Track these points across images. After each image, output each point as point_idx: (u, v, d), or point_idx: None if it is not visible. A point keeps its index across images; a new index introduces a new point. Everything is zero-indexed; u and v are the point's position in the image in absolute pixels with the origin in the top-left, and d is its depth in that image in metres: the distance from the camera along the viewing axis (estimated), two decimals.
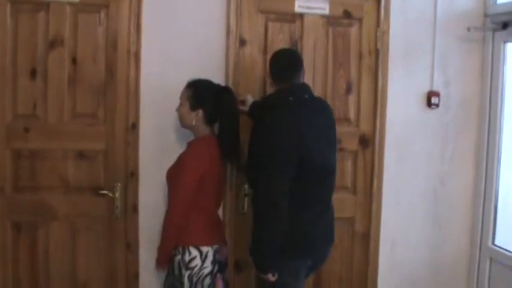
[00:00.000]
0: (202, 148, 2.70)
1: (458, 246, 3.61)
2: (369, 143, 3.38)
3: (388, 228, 3.46)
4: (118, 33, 3.00)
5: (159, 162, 2.96)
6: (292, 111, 2.60)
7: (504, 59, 3.44)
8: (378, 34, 3.33)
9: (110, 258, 3.09)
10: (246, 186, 3.13)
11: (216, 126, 2.80)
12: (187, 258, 2.65)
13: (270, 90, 2.90)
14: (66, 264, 3.05)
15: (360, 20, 3.32)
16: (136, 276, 3.11)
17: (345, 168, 3.35)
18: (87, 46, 2.98)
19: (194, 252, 2.66)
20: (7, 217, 2.97)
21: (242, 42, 3.14)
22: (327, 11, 3.24)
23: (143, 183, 3.08)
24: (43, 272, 3.03)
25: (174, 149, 2.91)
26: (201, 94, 2.72)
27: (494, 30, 3.43)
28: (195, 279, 2.65)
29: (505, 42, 3.41)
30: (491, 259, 3.49)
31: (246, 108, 3.01)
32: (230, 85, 3.03)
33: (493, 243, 3.51)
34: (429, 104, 3.45)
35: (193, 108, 2.70)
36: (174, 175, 2.71)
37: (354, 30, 3.32)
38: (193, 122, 2.72)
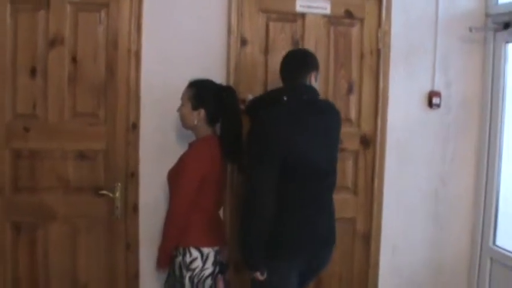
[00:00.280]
0: (204, 148, 2.68)
1: (459, 247, 3.62)
2: (370, 143, 3.37)
3: (389, 228, 3.45)
4: (118, 32, 2.98)
5: (160, 162, 2.94)
6: (281, 111, 2.59)
7: (505, 59, 3.44)
8: (380, 34, 3.32)
9: (110, 259, 3.07)
10: None
11: (218, 127, 2.78)
12: (188, 259, 2.64)
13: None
14: (66, 264, 3.03)
15: (362, 20, 3.31)
16: (136, 276, 3.09)
17: (346, 169, 3.34)
18: (88, 45, 2.96)
19: (195, 253, 2.64)
20: (7, 218, 2.94)
21: (243, 42, 3.12)
22: (328, 11, 3.23)
23: (143, 184, 3.06)
24: (43, 272, 3.01)
25: (175, 150, 2.90)
26: (202, 94, 2.71)
27: (495, 31, 3.43)
28: (196, 280, 2.63)
29: (506, 42, 3.41)
30: (492, 259, 3.50)
31: None
32: (231, 85, 3.01)
33: (494, 243, 3.51)
34: (430, 104, 3.45)
35: (195, 108, 2.69)
36: (175, 175, 2.69)
37: (355, 30, 3.31)
38: (195, 122, 2.71)
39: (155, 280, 3.08)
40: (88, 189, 3.01)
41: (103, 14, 2.97)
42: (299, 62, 2.72)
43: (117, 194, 3.01)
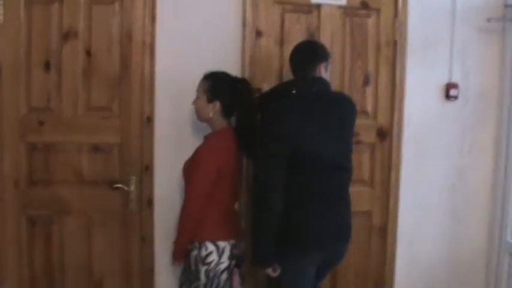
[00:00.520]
0: (220, 141, 2.67)
1: (476, 241, 3.58)
2: (387, 135, 3.34)
3: (406, 221, 3.42)
4: (132, 24, 2.96)
5: (175, 155, 2.93)
6: (291, 104, 2.58)
7: None
8: (396, 25, 3.28)
9: (125, 253, 3.06)
10: None
11: (233, 119, 2.76)
12: (203, 253, 2.62)
13: None
14: (81, 258, 3.03)
15: (378, 11, 3.27)
16: (151, 270, 3.09)
17: (362, 161, 3.32)
18: (102, 38, 2.94)
19: (211, 247, 2.63)
20: (22, 211, 2.95)
21: (258, 34, 3.09)
22: (344, 2, 3.19)
23: (158, 177, 3.05)
24: (58, 266, 3.01)
25: (190, 143, 2.88)
26: (217, 86, 2.69)
27: None
28: (211, 274, 2.62)
29: None
30: (510, 254, 3.46)
31: None
32: (246, 77, 2.99)
33: None
34: (447, 96, 3.40)
35: (210, 100, 2.68)
36: (190, 168, 2.67)
37: (371, 21, 3.27)
38: (210, 115, 2.69)
39: (170, 274, 3.07)
40: (103, 182, 3.00)
41: (117, 6, 2.95)
42: (308, 53, 2.70)
43: (132, 188, 2.99)
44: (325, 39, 3.16)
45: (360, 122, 3.13)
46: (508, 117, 3.45)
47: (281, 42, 3.13)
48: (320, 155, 2.55)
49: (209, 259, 2.62)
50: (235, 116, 2.75)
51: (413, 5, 3.29)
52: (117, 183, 3.00)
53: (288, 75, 3.01)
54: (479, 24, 3.41)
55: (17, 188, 2.93)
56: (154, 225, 3.07)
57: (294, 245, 2.58)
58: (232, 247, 2.68)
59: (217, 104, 2.67)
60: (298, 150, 2.48)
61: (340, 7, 3.20)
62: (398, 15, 3.28)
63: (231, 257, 2.66)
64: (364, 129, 3.25)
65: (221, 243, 2.64)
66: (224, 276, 2.65)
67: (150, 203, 3.05)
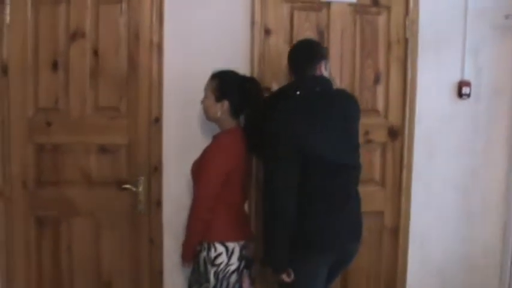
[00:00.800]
0: (228, 141, 2.64)
1: (490, 241, 3.52)
2: (398, 134, 3.29)
3: (418, 222, 3.37)
4: (140, 24, 2.94)
5: (184, 156, 2.90)
6: (295, 106, 2.55)
7: None
8: (407, 22, 3.24)
9: (133, 254, 3.05)
10: None
11: (242, 119, 2.74)
12: (213, 254, 2.60)
13: None
14: (90, 259, 3.02)
15: (388, 8, 3.22)
16: (160, 272, 3.07)
17: (374, 161, 3.28)
18: (109, 38, 2.93)
19: (220, 248, 2.60)
20: (30, 212, 2.94)
21: (267, 32, 3.06)
22: None
23: (167, 178, 3.03)
24: (66, 267, 3.00)
25: (199, 143, 2.85)
26: (226, 85, 2.66)
27: None
28: (221, 275, 2.59)
29: None
30: None
31: None
32: (255, 76, 2.96)
33: None
34: (460, 94, 3.35)
35: (219, 100, 2.65)
36: (199, 169, 2.65)
37: (382, 19, 3.23)
38: (219, 114, 2.66)
39: (179, 275, 3.05)
40: (111, 183, 2.99)
41: (124, 5, 2.93)
42: (306, 53, 2.68)
43: (141, 188, 2.98)
44: (335, 37, 3.13)
45: (370, 121, 3.12)
46: None
47: (290, 41, 3.09)
48: (325, 154, 2.52)
49: (218, 260, 2.59)
50: (244, 116, 2.73)
51: (424, 2, 3.24)
52: (126, 184, 2.98)
53: None
54: (492, 21, 3.35)
55: (25, 189, 2.92)
56: (163, 226, 3.05)
57: (305, 247, 2.54)
58: (242, 248, 2.65)
59: (226, 104, 2.65)
60: (304, 152, 2.45)
61: (350, 4, 3.16)
62: (409, 12, 3.23)
63: (240, 258, 2.64)
64: (375, 128, 3.22)
65: (230, 244, 2.61)
66: (234, 277, 2.62)
67: (158, 203, 3.03)
